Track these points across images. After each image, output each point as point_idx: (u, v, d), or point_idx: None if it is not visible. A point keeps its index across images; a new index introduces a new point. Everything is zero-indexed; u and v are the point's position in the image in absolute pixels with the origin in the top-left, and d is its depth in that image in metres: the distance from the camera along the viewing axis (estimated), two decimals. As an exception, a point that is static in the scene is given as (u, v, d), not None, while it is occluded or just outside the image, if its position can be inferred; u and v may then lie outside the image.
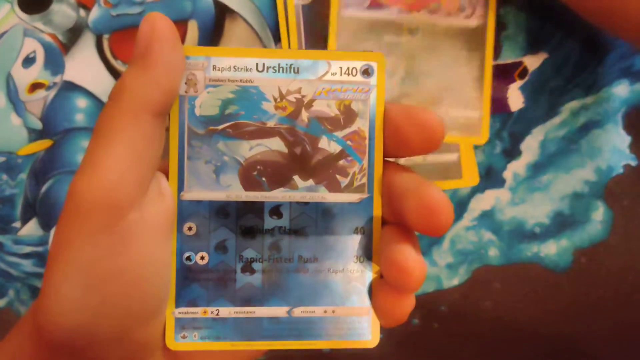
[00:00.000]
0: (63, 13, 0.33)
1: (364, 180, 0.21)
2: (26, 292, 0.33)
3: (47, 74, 0.33)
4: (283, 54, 0.21)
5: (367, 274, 0.22)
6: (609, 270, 0.34)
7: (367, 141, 0.21)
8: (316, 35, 0.33)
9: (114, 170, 0.18)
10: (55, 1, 0.33)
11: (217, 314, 0.21)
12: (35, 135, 0.33)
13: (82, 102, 0.33)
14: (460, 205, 0.34)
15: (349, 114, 0.21)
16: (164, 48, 0.19)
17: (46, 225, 0.33)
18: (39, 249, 0.33)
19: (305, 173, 0.21)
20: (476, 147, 0.34)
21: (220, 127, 0.20)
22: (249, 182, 0.21)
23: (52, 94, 0.33)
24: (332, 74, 0.21)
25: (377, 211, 0.22)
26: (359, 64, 0.21)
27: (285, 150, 0.21)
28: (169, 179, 0.21)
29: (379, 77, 0.21)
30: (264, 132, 0.21)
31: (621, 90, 0.35)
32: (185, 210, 0.21)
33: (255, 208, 0.21)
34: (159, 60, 0.19)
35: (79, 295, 0.18)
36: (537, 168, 0.34)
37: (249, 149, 0.21)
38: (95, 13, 0.33)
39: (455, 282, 0.34)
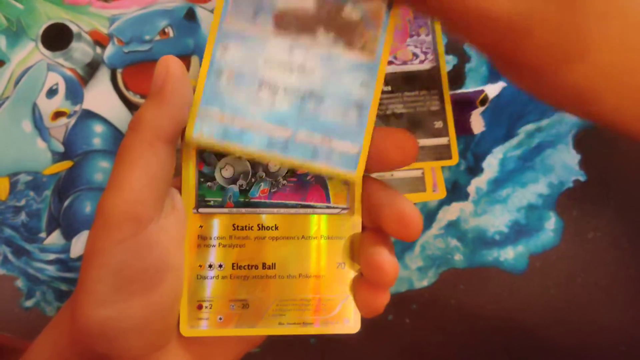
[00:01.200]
0: (82, 50, 0.37)
1: (375, 46, 0.22)
2: (51, 294, 0.35)
3: (68, 103, 0.36)
4: None
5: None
6: (559, 273, 0.37)
7: (380, 30, 0.23)
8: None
9: (135, 189, 0.20)
10: (75, 39, 0.37)
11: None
12: (58, 157, 0.36)
13: (99, 128, 0.36)
14: (430, 215, 0.37)
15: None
16: (176, 86, 0.21)
17: (68, 236, 0.36)
18: (62, 256, 0.35)
19: (328, 28, 0.22)
20: (444, 166, 0.38)
21: None
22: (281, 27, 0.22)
23: (72, 121, 0.36)
24: None
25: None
26: None
27: (314, 7, 0.22)
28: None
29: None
30: None
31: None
32: None
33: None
34: (172, 97, 0.21)
35: (109, 293, 0.20)
36: (497, 183, 0.37)
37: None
38: (109, 50, 0.37)
39: (425, 283, 0.37)
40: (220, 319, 0.24)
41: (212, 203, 0.24)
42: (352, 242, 0.24)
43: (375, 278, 0.23)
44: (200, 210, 0.23)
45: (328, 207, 0.24)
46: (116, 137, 0.37)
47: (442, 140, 0.37)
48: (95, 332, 0.21)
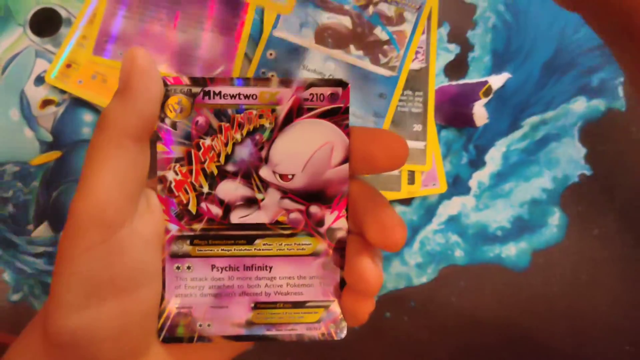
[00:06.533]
0: (71, 36, 0.36)
1: (397, 63, 0.32)
2: (39, 288, 0.35)
3: (56, 91, 0.35)
4: None
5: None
6: (563, 270, 0.36)
7: (404, 48, 0.31)
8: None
9: (104, 192, 0.19)
10: (64, 25, 0.36)
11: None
12: (46, 146, 0.35)
13: (88, 117, 0.35)
14: (430, 210, 0.36)
15: (400, 18, 0.32)
16: (143, 80, 0.20)
17: (56, 228, 0.35)
18: (50, 248, 0.35)
19: (359, 45, 0.30)
20: (444, 158, 0.37)
21: None
22: (320, 39, 0.31)
23: (61, 109, 0.35)
24: None
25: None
26: None
27: (350, 27, 0.31)
28: None
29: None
30: (341, 10, 0.31)
31: (578, 106, 0.37)
32: None
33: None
34: (138, 92, 0.20)
35: (80, 302, 0.20)
36: (499, 177, 0.36)
37: (326, 18, 0.31)
38: (100, 36, 0.36)
39: (424, 280, 0.36)
40: None
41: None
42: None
43: (358, 287, 0.22)
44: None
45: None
46: (106, 126, 0.35)
47: (419, 145, 0.35)
48: (66, 341, 0.20)
